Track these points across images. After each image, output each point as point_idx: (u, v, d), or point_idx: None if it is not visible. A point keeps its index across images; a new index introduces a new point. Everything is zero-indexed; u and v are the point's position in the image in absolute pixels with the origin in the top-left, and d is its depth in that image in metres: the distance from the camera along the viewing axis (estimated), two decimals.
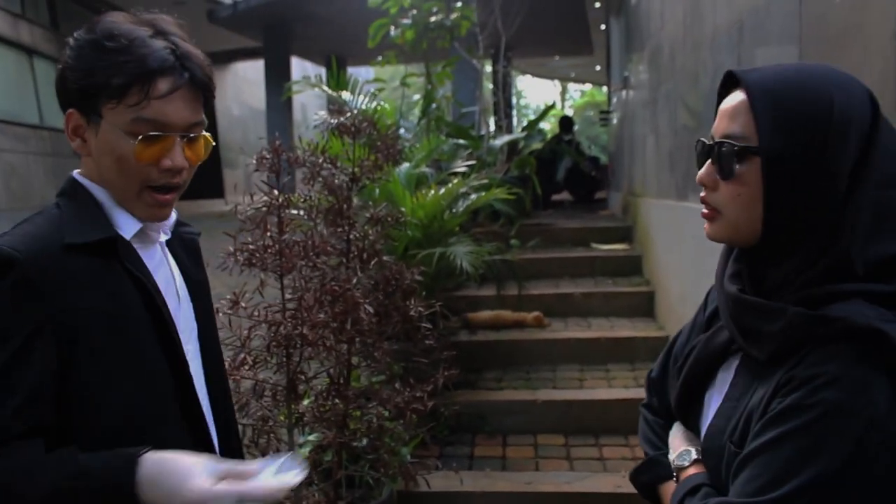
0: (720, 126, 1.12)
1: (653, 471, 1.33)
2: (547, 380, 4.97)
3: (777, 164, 1.04)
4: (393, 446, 3.32)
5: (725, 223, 1.13)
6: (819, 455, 0.97)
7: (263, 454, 2.96)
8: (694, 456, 1.22)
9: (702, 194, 1.16)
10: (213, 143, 1.38)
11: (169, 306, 1.30)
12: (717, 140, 1.12)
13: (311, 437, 3.42)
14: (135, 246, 1.29)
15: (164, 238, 1.39)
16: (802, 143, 1.03)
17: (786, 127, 1.04)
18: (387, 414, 3.18)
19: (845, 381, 0.97)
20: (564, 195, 11.68)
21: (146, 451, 1.14)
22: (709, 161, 1.14)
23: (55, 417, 1.16)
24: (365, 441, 3.18)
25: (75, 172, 1.32)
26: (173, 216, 1.40)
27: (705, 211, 1.16)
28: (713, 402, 1.20)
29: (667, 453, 1.31)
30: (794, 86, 1.06)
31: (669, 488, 1.25)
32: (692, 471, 1.21)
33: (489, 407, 4.52)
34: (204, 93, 1.31)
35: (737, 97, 1.10)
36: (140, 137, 1.22)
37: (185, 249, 1.46)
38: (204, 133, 1.33)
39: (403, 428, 3.19)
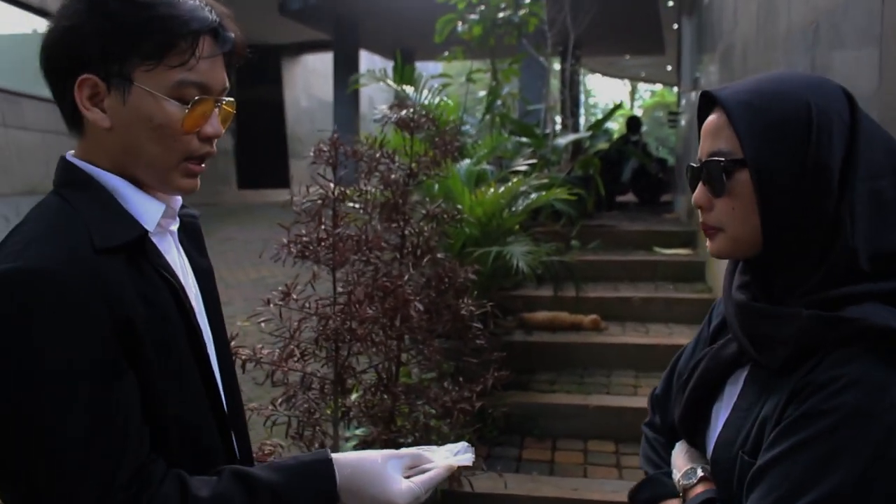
0: (705, 147, 1.13)
1: (652, 489, 1.30)
2: (601, 385, 4.89)
3: (765, 171, 1.05)
4: (440, 445, 3.29)
5: (726, 238, 1.13)
6: (839, 462, 0.94)
7: (308, 447, 2.96)
8: (700, 473, 1.19)
9: (700, 219, 1.17)
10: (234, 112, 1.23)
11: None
12: (704, 160, 1.13)
13: (357, 432, 3.42)
14: (153, 239, 1.15)
15: (175, 226, 1.24)
16: (787, 147, 1.04)
17: (767, 135, 1.05)
18: (433, 412, 3.15)
19: (865, 384, 0.95)
20: (629, 197, 11.49)
21: (330, 456, 1.11)
22: (700, 183, 1.15)
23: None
24: (410, 439, 3.15)
25: (70, 156, 1.15)
26: (179, 198, 1.24)
27: (707, 230, 1.16)
28: (721, 416, 1.17)
29: (667, 472, 1.28)
30: (769, 94, 1.08)
31: None
32: (700, 489, 1.17)
33: (540, 409, 4.46)
34: (235, 59, 1.17)
35: (716, 116, 1.12)
36: (195, 100, 1.09)
37: (188, 236, 1.30)
38: (229, 99, 1.18)
39: (449, 428, 3.16)
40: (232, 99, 1.18)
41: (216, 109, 1.14)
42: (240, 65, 1.20)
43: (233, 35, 1.14)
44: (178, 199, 1.24)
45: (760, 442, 1.04)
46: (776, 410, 1.03)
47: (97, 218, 1.07)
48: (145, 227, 1.11)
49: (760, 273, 1.12)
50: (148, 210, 1.14)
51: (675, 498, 1.24)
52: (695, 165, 1.16)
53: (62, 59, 1.08)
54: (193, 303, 1.20)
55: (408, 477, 1.15)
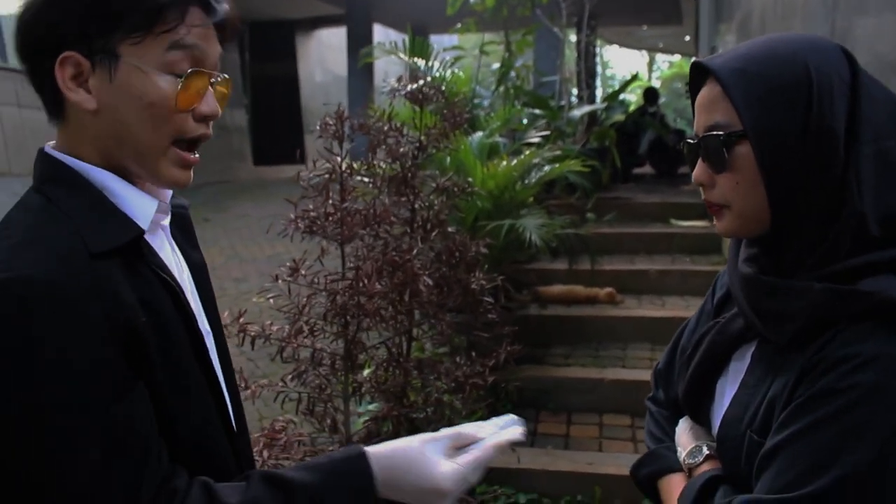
0: (700, 121, 1.08)
1: (654, 464, 1.27)
2: (616, 358, 4.85)
3: (766, 139, 1.00)
4: (452, 419, 3.28)
5: (733, 215, 1.07)
6: (856, 443, 0.90)
7: (320, 422, 2.96)
8: (706, 452, 1.15)
9: (703, 196, 1.11)
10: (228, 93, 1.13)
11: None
12: (701, 136, 1.08)
13: (369, 407, 3.41)
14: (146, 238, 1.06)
15: (167, 221, 1.14)
16: (787, 112, 0.99)
17: (766, 101, 1.00)
18: (444, 387, 3.13)
19: (883, 362, 0.91)
20: (646, 169, 11.37)
21: (364, 450, 1.04)
22: (700, 159, 1.09)
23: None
24: (422, 414, 3.14)
25: (49, 149, 1.05)
26: (169, 192, 1.15)
27: (712, 208, 1.10)
28: (727, 392, 1.13)
29: (670, 446, 1.25)
30: (764, 59, 1.03)
31: (671, 483, 1.20)
32: (706, 467, 1.14)
33: (555, 383, 4.43)
34: (228, 34, 1.09)
35: (709, 88, 1.06)
36: (189, 72, 1.00)
37: (178, 229, 1.21)
38: (224, 76, 1.09)
39: (462, 403, 3.14)
40: (227, 76, 1.10)
41: (211, 88, 1.05)
42: (233, 40, 1.11)
43: (225, 6, 1.05)
44: (168, 193, 1.15)
45: (769, 420, 1.00)
46: (786, 388, 0.99)
47: (88, 218, 0.98)
48: (140, 226, 1.02)
49: (768, 245, 1.07)
50: (141, 207, 1.04)
51: (677, 472, 1.21)
52: (691, 142, 1.11)
53: (40, 37, 1.00)
54: (191, 301, 1.12)
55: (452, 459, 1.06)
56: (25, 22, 1.00)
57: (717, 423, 1.13)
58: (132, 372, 0.94)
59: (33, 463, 0.88)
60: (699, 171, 1.09)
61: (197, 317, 1.11)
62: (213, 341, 1.19)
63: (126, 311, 0.95)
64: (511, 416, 1.12)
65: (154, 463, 0.95)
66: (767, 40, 1.05)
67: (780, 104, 0.99)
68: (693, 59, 1.08)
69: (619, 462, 3.66)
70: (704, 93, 1.07)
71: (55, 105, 1.03)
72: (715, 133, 1.04)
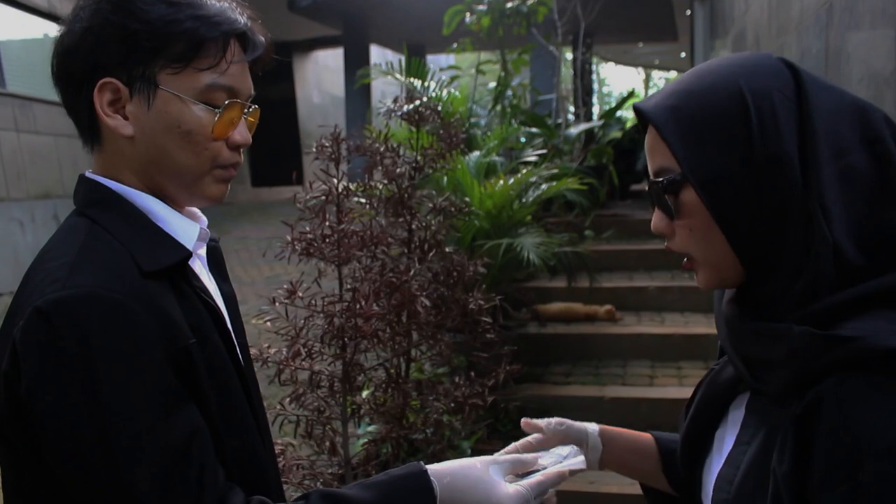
0: (650, 167, 0.98)
1: None
2: (616, 376, 4.83)
3: (707, 182, 0.89)
4: (452, 440, 3.27)
5: (702, 267, 0.97)
6: None
7: (318, 445, 2.94)
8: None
9: (665, 244, 1.02)
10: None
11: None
12: (648, 183, 0.99)
13: (369, 429, 3.39)
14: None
15: (203, 250, 1.17)
16: (726, 146, 0.88)
17: (700, 137, 0.90)
18: (443, 408, 3.12)
19: (890, 427, 0.79)
20: (644, 185, 11.38)
21: (425, 467, 1.03)
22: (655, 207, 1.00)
23: None
24: (421, 435, 3.12)
25: (91, 174, 1.06)
26: (205, 219, 1.19)
27: (684, 262, 1.01)
28: (726, 443, 1.02)
29: None
30: (696, 92, 0.92)
31: None
32: None
33: (555, 402, 4.41)
34: (259, 65, 1.11)
35: (650, 131, 0.96)
36: (226, 104, 1.02)
37: (211, 261, 1.23)
38: (255, 107, 1.12)
39: (461, 423, 3.13)
40: (257, 107, 1.13)
41: (243, 118, 1.08)
42: (263, 71, 1.14)
43: (262, 40, 1.09)
44: (204, 220, 1.17)
45: (761, 487, 0.89)
46: (784, 458, 0.85)
47: (136, 239, 1.00)
48: (187, 248, 1.05)
49: (747, 286, 0.96)
50: (185, 230, 1.07)
51: None
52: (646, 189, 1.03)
53: (79, 63, 1.01)
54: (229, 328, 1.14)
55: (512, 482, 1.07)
56: (65, 47, 1.02)
57: (713, 477, 1.02)
58: (184, 390, 0.95)
59: (97, 472, 0.89)
60: (656, 218, 1.00)
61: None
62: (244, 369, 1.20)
63: (178, 331, 0.96)
64: (573, 447, 1.14)
65: (212, 478, 0.94)
66: (704, 69, 0.96)
67: (716, 138, 0.89)
68: (633, 104, 0.99)
69: (621, 481, 3.63)
70: (647, 137, 0.97)
71: (90, 130, 1.05)
72: (655, 180, 0.95)
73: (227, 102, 1.03)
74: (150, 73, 1.00)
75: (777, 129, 0.87)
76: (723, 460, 0.99)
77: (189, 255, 1.04)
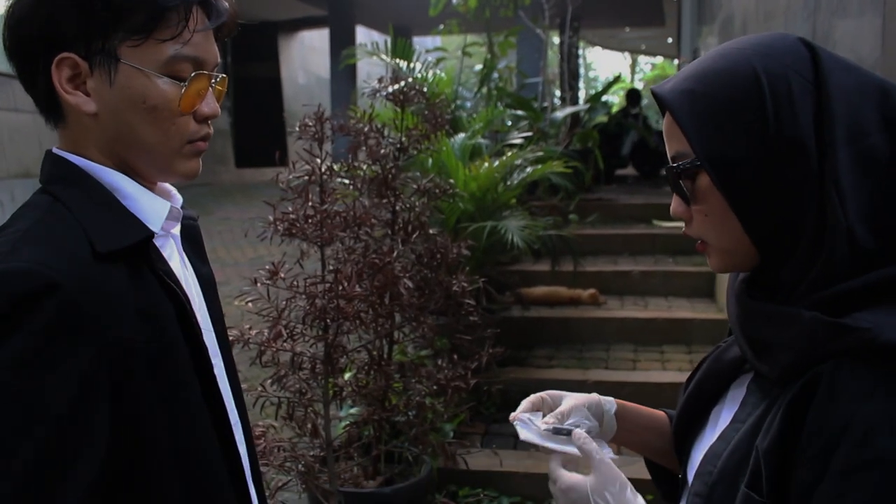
0: (668, 152, 0.97)
1: None
2: (600, 359, 4.85)
3: (722, 166, 0.88)
4: (435, 423, 3.26)
5: (716, 251, 0.96)
6: None
7: (299, 427, 2.92)
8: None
9: (683, 229, 1.01)
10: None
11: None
12: (665, 169, 0.98)
13: (351, 411, 3.38)
14: (156, 243, 1.03)
15: (176, 228, 1.11)
16: (740, 130, 0.87)
17: (715, 122, 0.88)
18: (426, 391, 3.11)
19: (871, 422, 0.78)
20: (629, 170, 11.40)
21: None
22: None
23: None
24: (404, 418, 3.11)
25: (57, 150, 1.01)
26: (179, 198, 1.13)
27: (697, 244, 1.00)
28: (721, 419, 1.02)
29: None
30: (711, 74, 0.91)
31: None
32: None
33: (538, 385, 4.34)
34: (224, 33, 1.06)
35: (667, 115, 0.95)
36: (192, 76, 0.98)
37: (188, 241, 1.17)
38: (222, 76, 1.06)
39: (444, 406, 3.12)
40: (224, 76, 1.07)
41: (210, 88, 1.03)
42: (229, 37, 1.09)
43: (226, 6, 1.02)
44: (178, 198, 1.12)
45: (758, 471, 0.87)
46: (770, 437, 0.85)
47: (96, 218, 0.95)
48: (150, 228, 1.00)
49: (762, 271, 0.95)
50: (153, 210, 1.02)
51: None
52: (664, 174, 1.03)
53: (34, 36, 0.95)
54: (198, 314, 1.08)
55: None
56: (17, 19, 0.96)
57: (702, 452, 1.01)
58: (100, 394, 0.89)
59: None
60: (674, 203, 0.99)
61: (203, 331, 1.07)
62: (220, 357, 1.15)
63: (122, 323, 0.91)
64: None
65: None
66: (719, 51, 0.94)
67: (731, 122, 0.87)
68: (652, 88, 0.97)
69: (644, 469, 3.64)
70: (664, 121, 0.96)
71: (50, 106, 1.00)
72: (672, 165, 0.95)
73: (192, 74, 0.98)
74: (109, 46, 0.95)
75: (793, 111, 0.85)
76: (715, 436, 0.98)
77: (150, 235, 0.99)
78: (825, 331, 0.82)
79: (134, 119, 0.97)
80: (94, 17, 0.93)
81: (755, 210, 0.89)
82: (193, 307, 1.05)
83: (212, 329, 1.15)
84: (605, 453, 1.03)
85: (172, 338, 0.99)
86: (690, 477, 1.02)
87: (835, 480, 0.79)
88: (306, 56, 18.06)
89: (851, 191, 0.83)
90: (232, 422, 1.12)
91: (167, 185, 1.12)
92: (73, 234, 0.92)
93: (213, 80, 1.03)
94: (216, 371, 1.10)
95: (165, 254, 1.05)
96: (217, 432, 1.06)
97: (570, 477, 0.99)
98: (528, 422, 1.11)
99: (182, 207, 1.14)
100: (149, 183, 1.05)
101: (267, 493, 2.73)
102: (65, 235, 0.92)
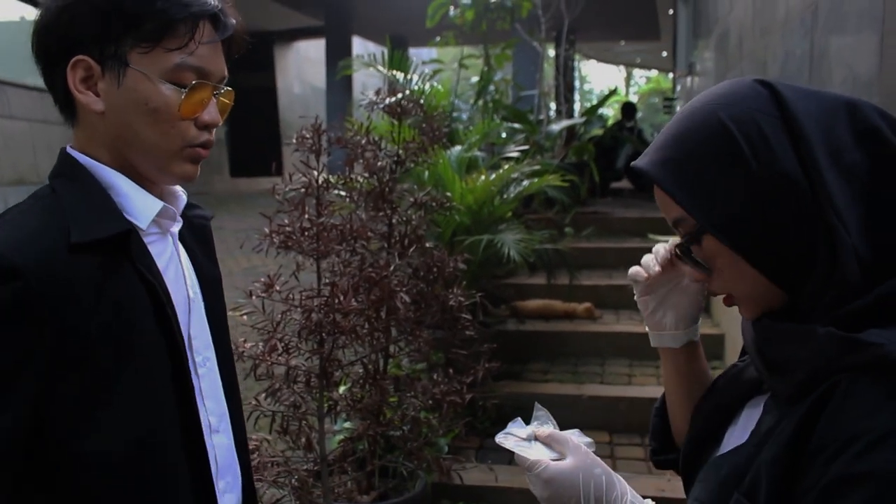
0: (668, 220, 0.98)
1: None
2: (595, 374, 4.83)
3: (723, 224, 0.89)
4: (430, 437, 3.24)
5: (745, 301, 0.96)
6: None
7: (294, 440, 2.90)
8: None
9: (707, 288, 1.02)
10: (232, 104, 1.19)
11: (178, 312, 1.11)
12: (674, 249, 1.02)
13: (345, 425, 3.36)
14: (147, 240, 1.10)
15: (177, 227, 1.18)
16: (728, 181, 0.88)
17: (702, 183, 0.89)
18: (421, 405, 3.08)
19: (875, 435, 0.76)
20: (624, 183, 11.41)
21: None
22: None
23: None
24: (398, 432, 3.09)
25: (70, 148, 1.10)
26: (184, 197, 1.21)
27: (724, 298, 1.00)
28: (733, 440, 1.00)
29: None
30: (679, 138, 0.92)
31: None
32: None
33: (533, 400, 4.36)
34: (234, 48, 1.15)
35: (655, 189, 0.96)
36: (192, 84, 1.05)
37: (196, 239, 1.24)
38: (228, 88, 1.15)
39: (439, 420, 3.10)
40: (230, 89, 1.15)
41: (214, 98, 1.10)
42: (239, 54, 1.16)
43: (234, 22, 1.11)
44: (182, 199, 1.21)
45: (755, 482, 0.86)
46: (779, 450, 0.85)
47: (80, 210, 1.02)
48: (137, 224, 1.07)
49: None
50: (144, 207, 1.09)
51: None
52: (674, 251, 1.05)
53: (55, 40, 1.05)
54: (182, 308, 1.13)
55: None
56: (42, 25, 1.06)
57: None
58: (28, 378, 0.95)
59: None
60: (690, 273, 1.01)
61: (185, 329, 1.13)
62: (212, 351, 1.21)
63: (79, 312, 0.97)
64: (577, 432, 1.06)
65: None
66: (679, 115, 0.95)
67: (716, 179, 0.88)
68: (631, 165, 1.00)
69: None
70: (656, 193, 0.97)
71: (66, 105, 1.09)
72: (679, 244, 0.97)
73: (194, 82, 1.06)
74: (121, 51, 1.03)
75: (770, 149, 0.86)
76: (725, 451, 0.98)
77: (128, 230, 1.04)
78: (840, 346, 0.82)
79: (136, 120, 1.05)
80: (109, 25, 1.03)
81: (767, 253, 0.89)
82: (182, 306, 1.13)
83: (207, 326, 1.21)
84: (582, 441, 1.00)
85: (144, 327, 1.05)
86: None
87: (826, 489, 0.79)
88: (302, 66, 18.09)
89: (846, 209, 0.84)
90: (217, 413, 1.20)
91: (175, 188, 1.20)
92: (54, 223, 1.00)
93: (216, 92, 1.11)
94: (207, 366, 1.19)
95: (157, 251, 1.11)
96: (183, 419, 1.10)
97: (552, 466, 0.96)
98: (509, 435, 1.07)
99: (193, 205, 1.25)
100: (151, 183, 1.12)
101: None
102: (46, 225, 1.00)
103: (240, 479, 1.28)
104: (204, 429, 1.15)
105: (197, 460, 1.13)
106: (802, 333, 0.87)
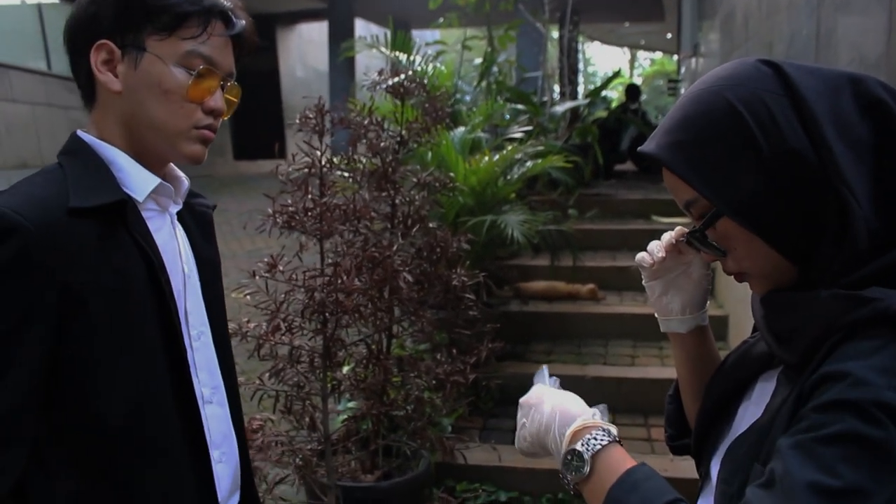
0: (678, 202, 1.00)
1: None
2: (598, 355, 4.84)
3: (738, 203, 0.90)
4: (433, 417, 3.25)
5: (757, 279, 0.98)
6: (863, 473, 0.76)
7: (297, 420, 2.91)
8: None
9: (722, 268, 1.03)
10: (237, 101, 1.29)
11: (173, 285, 1.19)
12: (686, 236, 1.04)
13: (349, 405, 3.37)
14: (144, 215, 1.18)
15: (175, 209, 1.27)
16: (740, 161, 0.89)
17: (714, 165, 0.91)
18: (424, 385, 3.09)
19: (888, 377, 0.78)
20: (628, 165, 11.38)
21: None
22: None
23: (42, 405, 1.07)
24: (402, 412, 3.10)
25: (79, 131, 1.21)
26: (186, 183, 1.31)
27: (736, 276, 1.01)
28: (748, 414, 1.02)
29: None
30: (687, 121, 0.94)
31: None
32: (624, 457, 0.95)
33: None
34: (242, 49, 1.26)
35: (664, 170, 0.98)
36: (199, 69, 1.16)
37: (196, 223, 1.34)
38: (235, 83, 1.26)
39: (442, 400, 3.11)
40: (237, 84, 1.26)
41: (221, 90, 1.21)
42: (249, 53, 1.27)
43: (244, 22, 1.22)
44: (185, 184, 1.30)
45: (772, 451, 0.86)
46: (786, 412, 0.87)
47: (82, 180, 1.12)
48: (133, 196, 1.16)
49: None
50: (141, 182, 1.18)
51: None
52: (684, 239, 1.08)
53: (83, 30, 1.16)
54: (177, 283, 1.22)
55: None
56: (74, 16, 1.17)
57: (725, 445, 1.01)
58: (39, 325, 1.03)
59: None
60: (703, 255, 1.03)
61: (180, 302, 1.22)
62: (207, 327, 1.29)
63: (75, 271, 1.05)
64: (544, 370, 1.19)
65: (14, 459, 1.04)
66: (684, 99, 0.96)
67: (728, 160, 0.90)
68: (638, 150, 1.02)
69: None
70: (664, 176, 0.99)
71: (88, 87, 1.20)
72: (695, 230, 0.98)
73: (202, 66, 1.16)
74: (139, 38, 1.15)
75: (778, 128, 0.88)
76: (742, 430, 0.99)
77: (124, 200, 1.13)
78: (843, 303, 0.85)
79: (149, 99, 1.16)
80: (131, 15, 1.14)
81: (781, 230, 0.91)
82: (177, 281, 1.22)
83: (202, 304, 1.29)
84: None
85: (138, 292, 1.13)
86: (714, 470, 1.02)
87: (807, 443, 0.79)
88: (305, 49, 18.01)
89: (855, 181, 0.86)
90: (210, 386, 1.28)
91: (178, 173, 1.30)
92: (56, 192, 1.09)
93: (223, 84, 1.21)
94: (202, 340, 1.27)
95: (154, 227, 1.20)
96: (175, 386, 1.18)
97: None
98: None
99: (197, 194, 1.37)
100: (158, 165, 1.23)
101: (265, 487, 2.72)
102: (48, 192, 1.09)
103: (236, 452, 1.34)
104: (198, 398, 1.22)
105: (191, 428, 1.21)
106: (808, 299, 0.89)
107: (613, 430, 0.99)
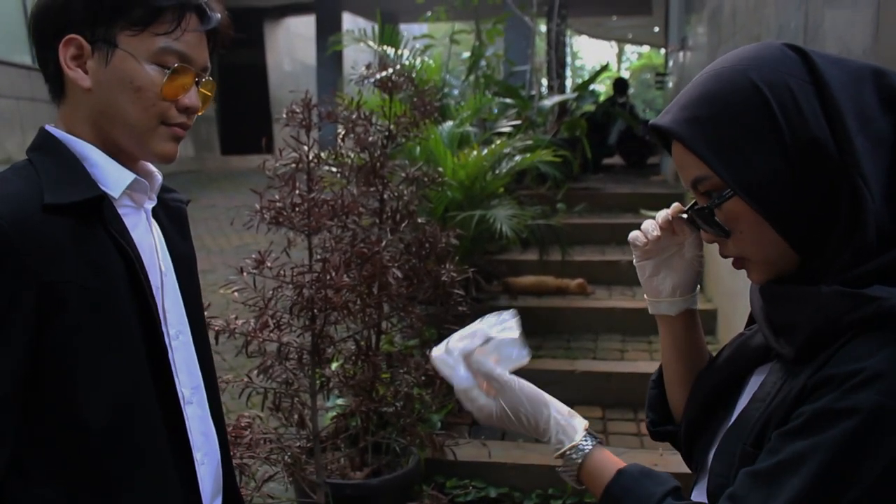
0: (683, 178, 0.98)
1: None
2: (587, 349, 4.84)
3: (750, 184, 0.89)
4: (422, 413, 3.24)
5: (758, 265, 0.96)
6: (852, 475, 0.78)
7: (286, 417, 2.89)
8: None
9: (719, 252, 1.02)
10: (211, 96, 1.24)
11: (151, 281, 1.16)
12: (692, 211, 1.00)
13: (338, 402, 3.35)
14: (120, 211, 1.15)
15: (150, 204, 1.23)
16: (758, 144, 0.88)
17: (732, 143, 0.89)
18: (414, 382, 3.07)
19: (888, 380, 0.78)
20: (616, 159, 11.39)
21: None
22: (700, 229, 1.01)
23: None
24: (391, 409, 3.08)
25: (48, 126, 1.17)
26: (159, 178, 1.26)
27: (733, 262, 1.00)
28: (739, 406, 1.01)
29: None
30: (710, 97, 0.92)
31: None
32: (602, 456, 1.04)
33: (526, 375, 4.36)
34: (217, 43, 1.21)
35: (675, 146, 0.96)
36: (174, 67, 1.11)
37: (170, 219, 1.30)
38: (210, 79, 1.21)
39: (431, 396, 3.09)
40: (212, 80, 1.21)
41: (195, 85, 1.16)
42: (223, 48, 1.24)
43: (219, 16, 1.18)
44: (158, 179, 1.26)
45: (765, 434, 0.89)
46: (784, 404, 0.87)
47: (55, 178, 1.08)
48: (109, 192, 1.12)
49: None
50: (116, 178, 1.14)
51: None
52: (685, 216, 1.07)
53: (51, 22, 1.11)
54: (154, 279, 1.19)
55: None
56: (40, 7, 1.13)
57: (719, 436, 1.02)
58: (20, 324, 1.00)
59: None
60: (706, 237, 1.01)
61: (158, 298, 1.19)
62: (187, 326, 1.26)
63: (53, 268, 1.02)
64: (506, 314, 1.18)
65: None
66: (704, 76, 0.95)
67: (747, 140, 0.88)
68: (651, 124, 1.00)
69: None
70: (674, 152, 0.97)
71: (56, 83, 1.15)
72: (703, 208, 0.96)
73: (176, 65, 1.12)
74: (110, 33, 1.10)
75: (801, 114, 0.87)
76: (732, 421, 0.99)
77: (99, 197, 1.09)
78: (844, 302, 0.84)
79: (120, 97, 1.11)
80: (101, 8, 1.09)
81: (792, 217, 0.90)
82: (154, 277, 1.18)
83: (180, 301, 1.26)
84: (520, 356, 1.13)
85: (118, 290, 1.10)
86: (709, 461, 1.02)
87: (813, 416, 0.82)
88: (292, 43, 17.93)
89: (871, 175, 0.85)
90: (190, 386, 1.25)
91: (151, 168, 1.26)
92: (30, 188, 1.05)
93: (198, 80, 1.17)
94: (181, 339, 1.24)
95: (130, 223, 1.16)
96: (158, 387, 1.15)
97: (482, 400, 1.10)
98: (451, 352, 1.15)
99: (170, 189, 1.32)
100: (130, 161, 1.18)
101: (253, 485, 2.70)
102: (21, 189, 1.05)
103: (217, 453, 1.32)
104: (179, 399, 1.19)
105: (176, 430, 1.18)
106: (808, 293, 0.88)
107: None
